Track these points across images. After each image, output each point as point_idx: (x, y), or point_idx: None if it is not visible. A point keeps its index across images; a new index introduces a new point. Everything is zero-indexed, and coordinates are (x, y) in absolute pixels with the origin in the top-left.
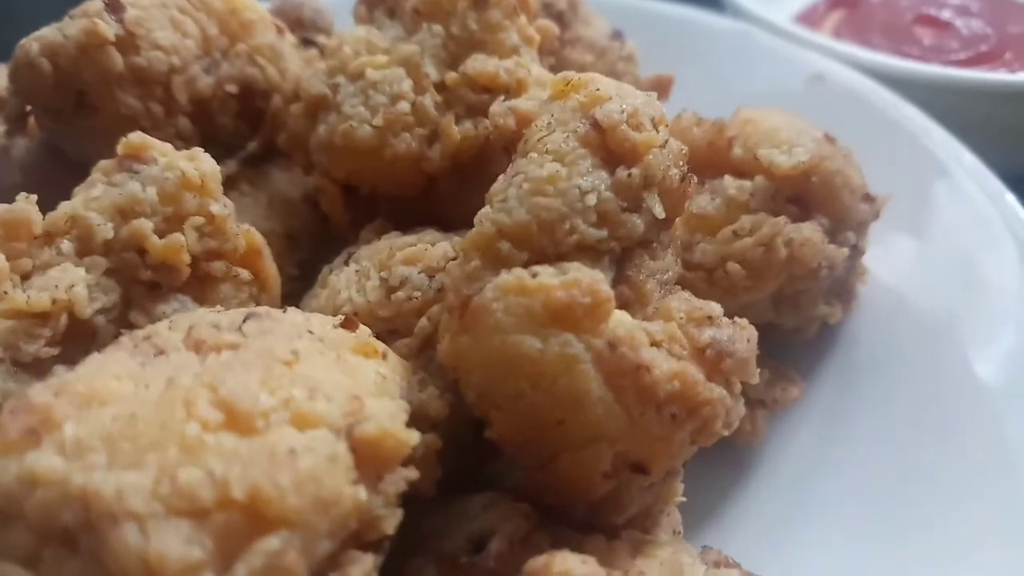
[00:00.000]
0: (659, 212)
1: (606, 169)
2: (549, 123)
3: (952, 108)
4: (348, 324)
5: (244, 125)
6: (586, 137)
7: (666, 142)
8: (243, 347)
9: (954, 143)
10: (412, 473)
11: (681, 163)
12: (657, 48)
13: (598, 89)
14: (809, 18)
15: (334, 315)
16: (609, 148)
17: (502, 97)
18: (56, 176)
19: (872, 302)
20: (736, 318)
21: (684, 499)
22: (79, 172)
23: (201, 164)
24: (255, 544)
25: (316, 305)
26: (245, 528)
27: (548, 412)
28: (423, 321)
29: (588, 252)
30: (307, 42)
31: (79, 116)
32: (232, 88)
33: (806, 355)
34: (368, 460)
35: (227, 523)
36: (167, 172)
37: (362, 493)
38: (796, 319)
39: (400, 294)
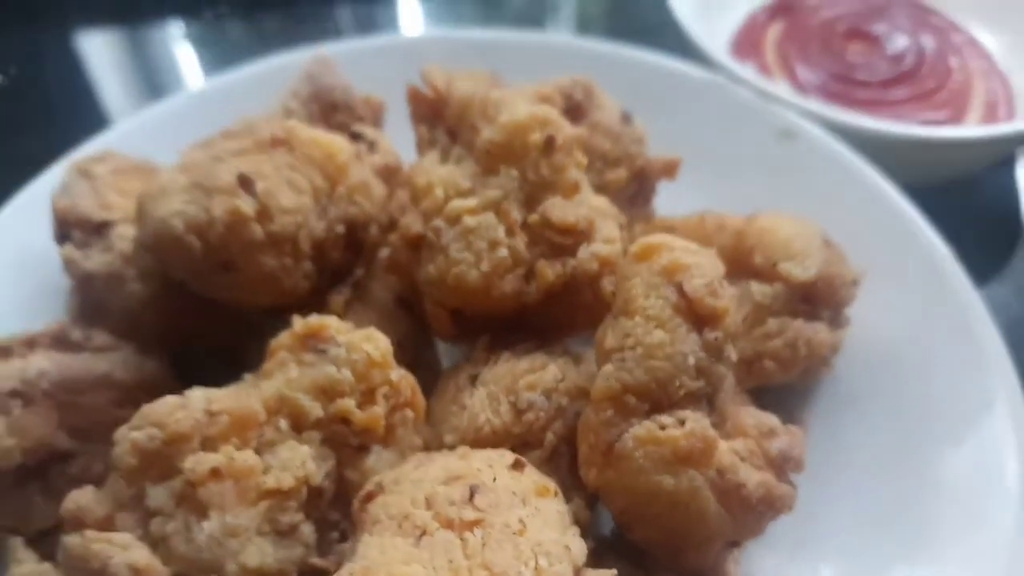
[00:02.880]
0: (734, 357)
1: (695, 331)
2: (645, 291)
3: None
4: (517, 466)
5: (350, 255)
6: (678, 305)
7: (731, 299)
8: (485, 523)
9: (912, 207)
10: None
11: (738, 309)
12: (629, 98)
13: (676, 255)
14: (751, 29)
15: (476, 432)
16: (696, 313)
17: (585, 244)
18: (174, 305)
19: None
20: (789, 425)
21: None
22: (196, 303)
23: (379, 343)
24: None
25: (458, 424)
26: None
27: (681, 525)
28: (549, 436)
29: (692, 398)
30: (355, 136)
31: (220, 276)
32: (340, 228)
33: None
34: None
35: None
36: (354, 354)
37: None
38: (803, 381)
39: (529, 415)
